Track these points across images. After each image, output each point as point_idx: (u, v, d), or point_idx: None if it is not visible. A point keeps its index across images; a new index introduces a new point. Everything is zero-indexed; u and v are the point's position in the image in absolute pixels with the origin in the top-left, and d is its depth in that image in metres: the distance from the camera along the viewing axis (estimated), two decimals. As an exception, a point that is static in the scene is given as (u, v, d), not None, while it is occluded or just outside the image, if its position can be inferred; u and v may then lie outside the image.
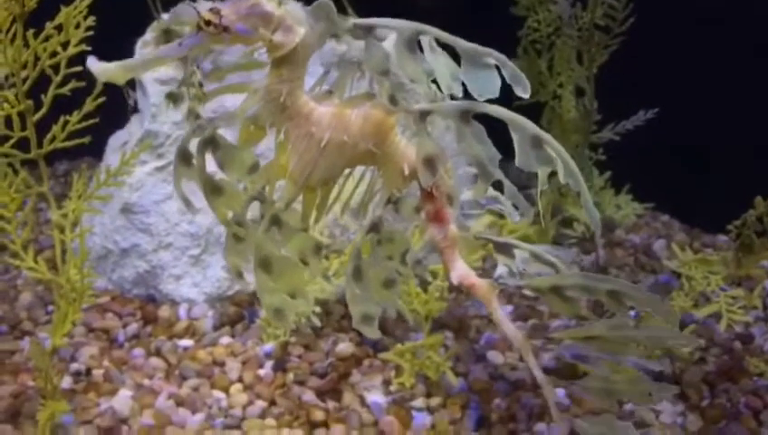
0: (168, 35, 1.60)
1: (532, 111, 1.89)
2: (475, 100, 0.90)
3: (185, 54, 0.91)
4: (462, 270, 0.99)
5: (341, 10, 1.08)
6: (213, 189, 0.94)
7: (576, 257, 1.76)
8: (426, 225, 1.02)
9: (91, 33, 1.11)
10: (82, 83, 1.10)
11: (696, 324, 1.41)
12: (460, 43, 0.91)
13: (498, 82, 0.90)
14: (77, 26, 1.09)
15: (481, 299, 0.99)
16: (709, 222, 2.05)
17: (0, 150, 1.09)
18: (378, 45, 0.89)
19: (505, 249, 1.03)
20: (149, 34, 1.61)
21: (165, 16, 1.63)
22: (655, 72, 1.85)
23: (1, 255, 1.57)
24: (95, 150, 1.91)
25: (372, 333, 0.96)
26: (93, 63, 0.90)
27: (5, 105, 1.07)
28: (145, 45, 1.61)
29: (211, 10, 0.89)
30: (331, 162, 0.95)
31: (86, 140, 1.15)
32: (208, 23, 0.88)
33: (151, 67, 0.96)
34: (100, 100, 1.14)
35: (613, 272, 1.77)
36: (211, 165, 0.93)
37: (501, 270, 1.02)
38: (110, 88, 1.58)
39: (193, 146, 0.93)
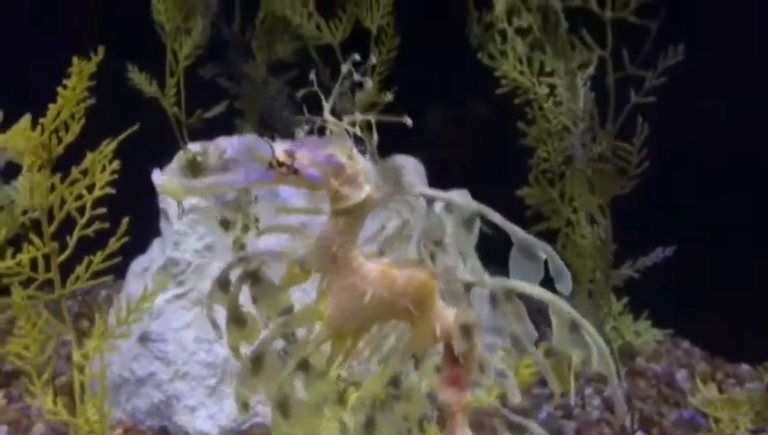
0: (193, 165, 1.65)
1: (545, 237, 1.92)
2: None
3: (245, 186, 0.93)
4: None
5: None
6: (236, 320, 0.95)
7: None
8: (442, 386, 1.02)
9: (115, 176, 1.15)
10: (106, 225, 1.13)
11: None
12: (516, 232, 0.94)
13: (542, 275, 0.93)
14: (102, 169, 1.13)
15: None
16: (730, 350, 2.03)
17: (25, 293, 1.11)
18: (437, 216, 0.92)
19: (518, 430, 1.02)
20: (175, 162, 1.67)
21: (191, 146, 1.69)
22: (672, 199, 1.87)
23: (16, 381, 1.57)
24: (115, 269, 1.94)
25: None
26: (157, 176, 0.93)
27: (31, 248, 1.10)
28: (170, 174, 1.65)
29: (286, 151, 0.91)
30: (368, 315, 0.97)
31: (108, 279, 1.17)
32: (281, 163, 0.91)
33: (212, 192, 0.99)
34: (124, 240, 1.17)
35: (637, 404, 1.73)
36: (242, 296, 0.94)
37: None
38: (133, 211, 1.63)
39: (233, 275, 0.94)
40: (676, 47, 1.39)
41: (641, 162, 1.49)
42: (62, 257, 1.15)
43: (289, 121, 2.07)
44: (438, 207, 0.98)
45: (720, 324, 1.98)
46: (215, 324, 0.96)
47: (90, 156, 1.13)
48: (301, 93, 0.93)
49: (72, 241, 1.14)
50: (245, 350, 0.98)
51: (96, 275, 1.18)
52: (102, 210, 1.16)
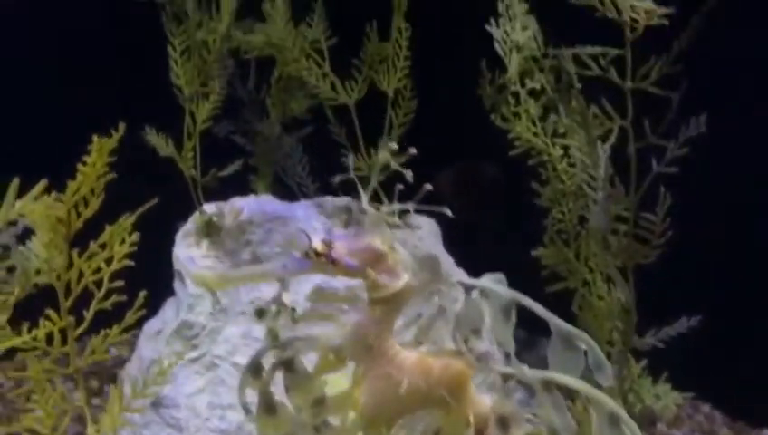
0: (209, 227, 1.65)
1: (562, 297, 1.91)
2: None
3: (284, 275, 0.93)
4: None
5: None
6: (267, 408, 0.95)
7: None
8: None
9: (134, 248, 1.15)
10: (123, 297, 1.13)
11: None
12: (555, 322, 0.94)
13: (582, 365, 0.92)
14: (121, 242, 1.14)
15: None
16: (753, 414, 2.00)
17: (41, 367, 1.10)
18: (476, 305, 0.93)
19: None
20: (191, 223, 1.66)
21: (206, 206, 1.69)
22: (695, 265, 1.86)
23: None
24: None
25: None
26: (192, 267, 0.93)
27: (47, 323, 1.09)
28: (186, 235, 1.65)
29: (324, 241, 0.91)
30: (403, 404, 0.96)
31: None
32: (319, 253, 0.91)
33: (248, 282, 0.99)
34: (141, 312, 1.16)
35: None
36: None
37: None
38: (147, 273, 1.62)
39: (266, 360, 0.93)
40: (698, 118, 1.39)
41: (665, 232, 1.48)
42: (79, 331, 1.14)
43: (302, 178, 2.08)
44: (475, 294, 0.98)
45: (742, 388, 1.95)
46: (247, 409, 0.96)
47: (108, 230, 1.14)
48: (337, 180, 0.93)
49: (88, 315, 1.14)
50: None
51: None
52: (120, 283, 1.16)
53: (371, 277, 0.92)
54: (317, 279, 1.11)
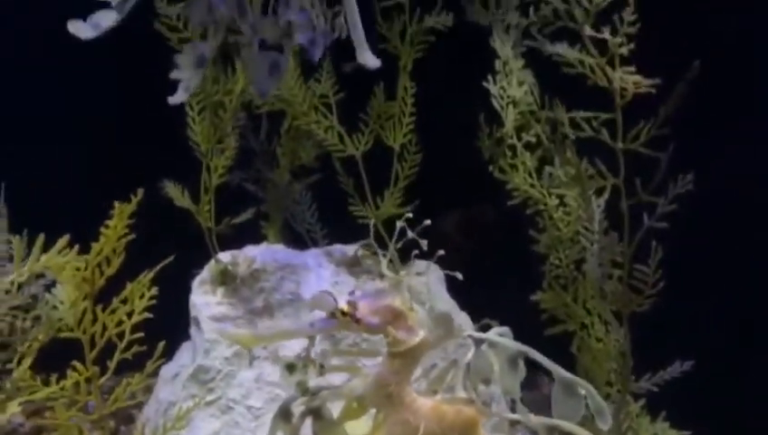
0: (224, 275, 1.73)
1: (561, 340, 1.98)
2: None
3: (312, 334, 1.02)
4: None
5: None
6: None
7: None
8: None
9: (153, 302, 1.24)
10: (144, 348, 1.22)
11: None
12: (557, 370, 1.03)
13: (582, 411, 1.00)
14: (141, 296, 1.23)
15: None
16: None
17: (69, 414, 1.19)
18: (485, 356, 1.02)
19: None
20: (207, 272, 1.75)
21: (221, 255, 1.77)
22: (688, 310, 1.94)
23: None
24: (143, 364, 2.01)
25: None
26: (227, 329, 1.03)
27: (74, 373, 1.18)
28: (202, 283, 1.74)
29: (349, 303, 1.01)
30: None
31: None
32: (344, 314, 1.00)
33: (279, 341, 1.09)
34: (161, 361, 1.25)
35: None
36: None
37: None
38: (165, 319, 1.71)
39: (295, 407, 1.05)
40: (685, 176, 1.49)
41: (657, 283, 1.57)
42: (103, 380, 1.23)
43: (311, 224, 2.17)
44: (484, 346, 1.07)
45: (738, 426, 2.01)
46: None
47: (129, 286, 1.23)
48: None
49: (111, 365, 1.23)
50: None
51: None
52: (140, 335, 1.25)
53: (392, 334, 1.01)
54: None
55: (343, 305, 1.00)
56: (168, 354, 1.86)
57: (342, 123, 1.87)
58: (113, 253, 1.24)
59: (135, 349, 1.29)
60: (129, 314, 1.26)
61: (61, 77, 2.19)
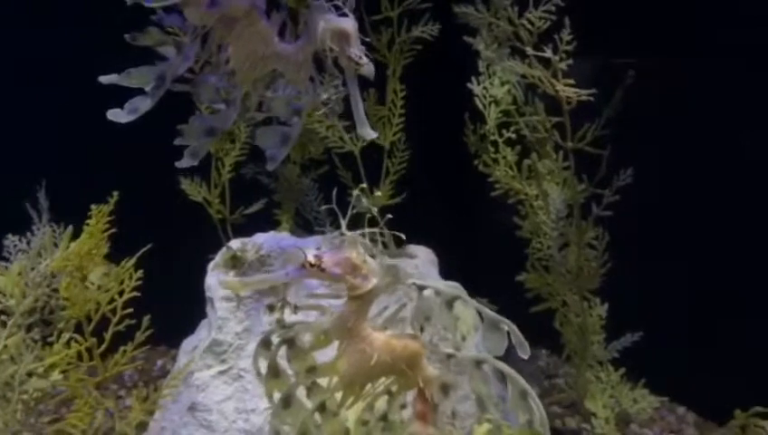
0: (235, 260, 1.96)
1: (545, 315, 2.16)
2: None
3: (287, 281, 1.24)
4: None
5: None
6: (274, 372, 1.27)
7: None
8: (413, 420, 1.31)
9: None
10: (134, 321, 1.53)
11: None
12: (485, 310, 1.22)
13: (505, 345, 1.20)
14: (130, 278, 1.48)
15: None
16: (721, 414, 2.21)
17: (78, 376, 1.45)
18: (426, 299, 1.23)
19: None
20: (219, 257, 1.97)
21: (232, 242, 1.99)
22: (650, 283, 2.11)
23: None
24: (170, 339, 2.26)
25: None
26: (221, 278, 1.26)
27: (75, 343, 1.44)
28: (216, 267, 1.96)
29: (316, 256, 1.23)
30: (373, 372, 1.28)
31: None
32: (312, 265, 1.22)
33: (261, 286, 1.33)
34: (150, 331, 1.57)
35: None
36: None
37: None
38: (183, 299, 1.96)
39: (274, 338, 1.28)
40: (626, 170, 1.67)
41: (605, 263, 1.75)
42: (102, 349, 1.52)
43: (318, 212, 2.38)
44: (429, 292, 1.27)
45: (711, 390, 2.17)
46: (259, 373, 1.29)
47: (115, 270, 1.48)
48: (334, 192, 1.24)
49: (108, 336, 1.54)
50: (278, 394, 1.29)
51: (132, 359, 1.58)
52: (129, 310, 1.51)
53: (350, 281, 1.23)
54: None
55: (311, 258, 1.22)
56: (191, 330, 2.10)
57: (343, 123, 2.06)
58: (96, 247, 1.49)
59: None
60: (121, 293, 1.52)
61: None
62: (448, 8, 1.93)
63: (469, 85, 1.94)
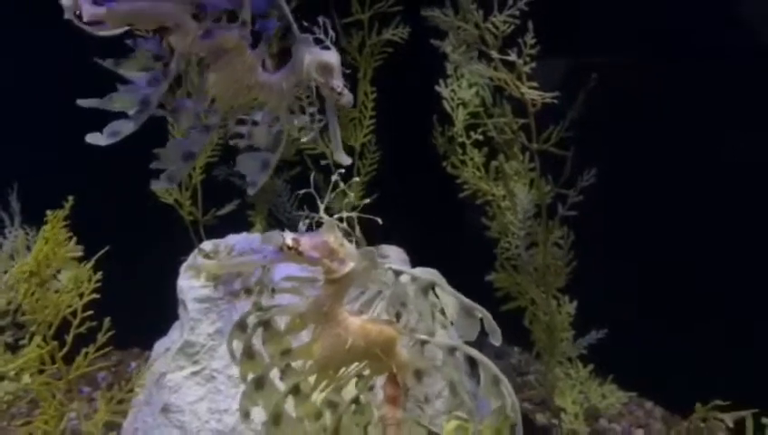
0: (207, 258, 1.97)
1: (516, 314, 2.19)
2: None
3: (264, 264, 1.25)
4: None
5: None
6: (248, 354, 1.29)
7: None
8: (383, 403, 1.34)
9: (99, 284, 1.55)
10: (95, 322, 1.55)
11: None
12: (460, 298, 1.25)
13: (477, 330, 1.22)
14: (89, 280, 1.50)
15: None
16: (687, 408, 2.26)
17: (42, 380, 1.46)
18: (402, 285, 1.25)
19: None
20: (192, 259, 1.98)
21: (204, 244, 2.01)
22: (617, 282, 2.16)
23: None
24: (143, 341, 2.27)
25: None
26: (202, 262, 1.27)
27: (37, 347, 1.46)
28: (189, 268, 1.97)
29: (293, 239, 1.24)
30: (348, 356, 1.29)
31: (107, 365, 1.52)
32: (290, 248, 1.23)
33: (238, 269, 1.33)
34: (111, 332, 1.58)
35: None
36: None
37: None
38: (155, 303, 1.97)
39: (250, 321, 1.28)
40: (590, 171, 1.71)
41: (570, 262, 1.79)
42: (63, 352, 1.55)
43: (291, 213, 2.40)
44: (405, 278, 1.29)
45: (679, 385, 2.22)
46: (233, 356, 1.30)
47: (72, 274, 1.50)
48: (301, 192, 1.26)
49: (69, 339, 1.56)
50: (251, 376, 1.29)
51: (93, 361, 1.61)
52: (90, 313, 1.53)
53: (327, 265, 1.24)
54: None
55: (289, 241, 1.22)
56: (163, 332, 2.11)
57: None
58: (53, 252, 1.50)
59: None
60: (81, 296, 1.54)
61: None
62: (418, 11, 1.95)
63: (437, 88, 1.97)
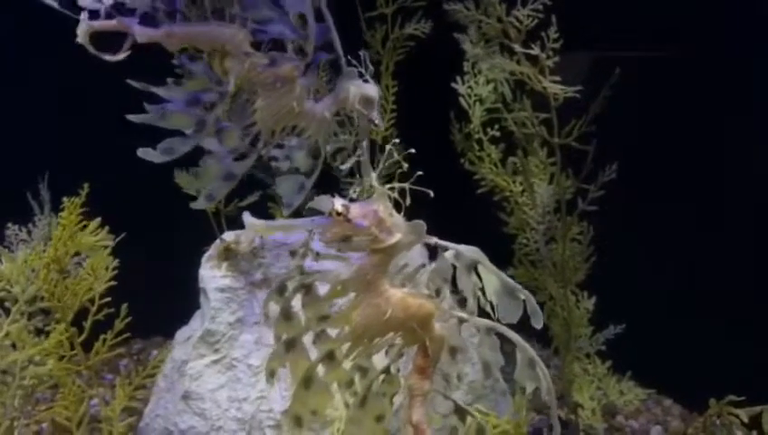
0: (228, 251, 2.00)
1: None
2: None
3: (311, 228, 1.26)
4: (421, 416, 1.28)
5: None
6: (286, 316, 1.26)
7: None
8: (412, 374, 1.33)
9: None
10: (112, 310, 1.56)
11: None
12: (502, 277, 1.24)
13: (520, 312, 1.22)
14: (106, 269, 1.53)
15: None
16: (706, 406, 2.26)
17: (62, 365, 1.50)
18: (446, 261, 1.23)
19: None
20: (213, 250, 2.01)
21: (226, 234, 2.03)
22: (641, 278, 2.15)
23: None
24: (165, 330, 2.30)
25: None
26: (247, 218, 1.28)
27: (56, 334, 1.50)
28: (209, 259, 2.00)
29: (343, 205, 1.24)
30: (385, 328, 1.27)
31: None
32: (339, 214, 1.23)
33: (286, 231, 1.34)
34: (128, 319, 1.60)
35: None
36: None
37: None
38: (177, 292, 1.99)
39: (291, 283, 1.24)
40: (611, 166, 1.72)
41: (590, 257, 1.79)
42: (82, 338, 1.57)
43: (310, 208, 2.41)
44: (449, 254, 1.29)
45: (698, 382, 2.21)
46: (266, 317, 1.26)
47: (89, 261, 1.53)
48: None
49: (87, 325, 1.58)
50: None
51: (113, 347, 1.65)
52: (107, 299, 1.56)
53: (374, 233, 1.23)
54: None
55: (338, 207, 1.22)
56: (185, 321, 2.14)
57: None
58: (70, 239, 1.53)
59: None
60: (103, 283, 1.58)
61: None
62: (440, 6, 1.96)
63: (453, 85, 1.98)
